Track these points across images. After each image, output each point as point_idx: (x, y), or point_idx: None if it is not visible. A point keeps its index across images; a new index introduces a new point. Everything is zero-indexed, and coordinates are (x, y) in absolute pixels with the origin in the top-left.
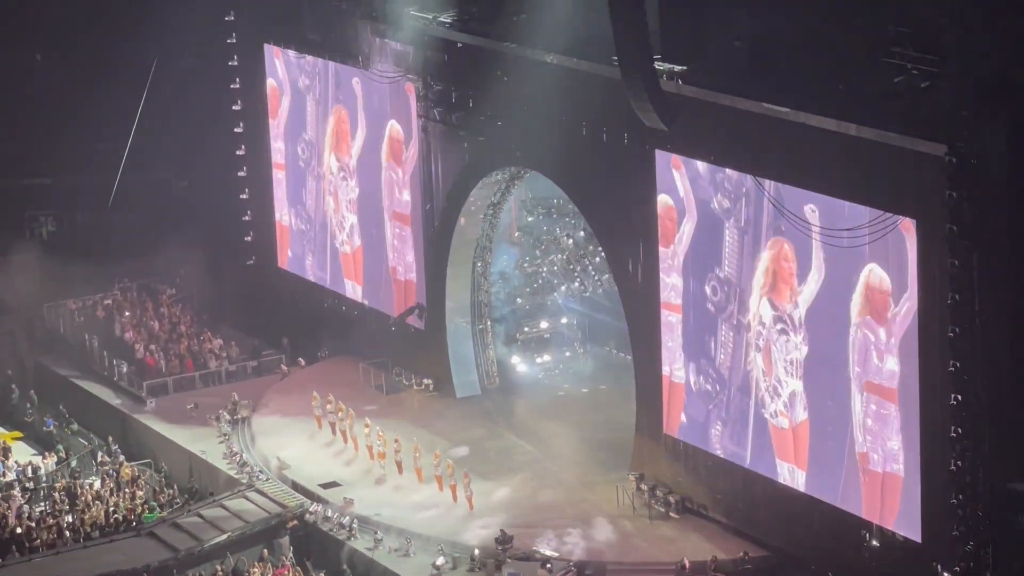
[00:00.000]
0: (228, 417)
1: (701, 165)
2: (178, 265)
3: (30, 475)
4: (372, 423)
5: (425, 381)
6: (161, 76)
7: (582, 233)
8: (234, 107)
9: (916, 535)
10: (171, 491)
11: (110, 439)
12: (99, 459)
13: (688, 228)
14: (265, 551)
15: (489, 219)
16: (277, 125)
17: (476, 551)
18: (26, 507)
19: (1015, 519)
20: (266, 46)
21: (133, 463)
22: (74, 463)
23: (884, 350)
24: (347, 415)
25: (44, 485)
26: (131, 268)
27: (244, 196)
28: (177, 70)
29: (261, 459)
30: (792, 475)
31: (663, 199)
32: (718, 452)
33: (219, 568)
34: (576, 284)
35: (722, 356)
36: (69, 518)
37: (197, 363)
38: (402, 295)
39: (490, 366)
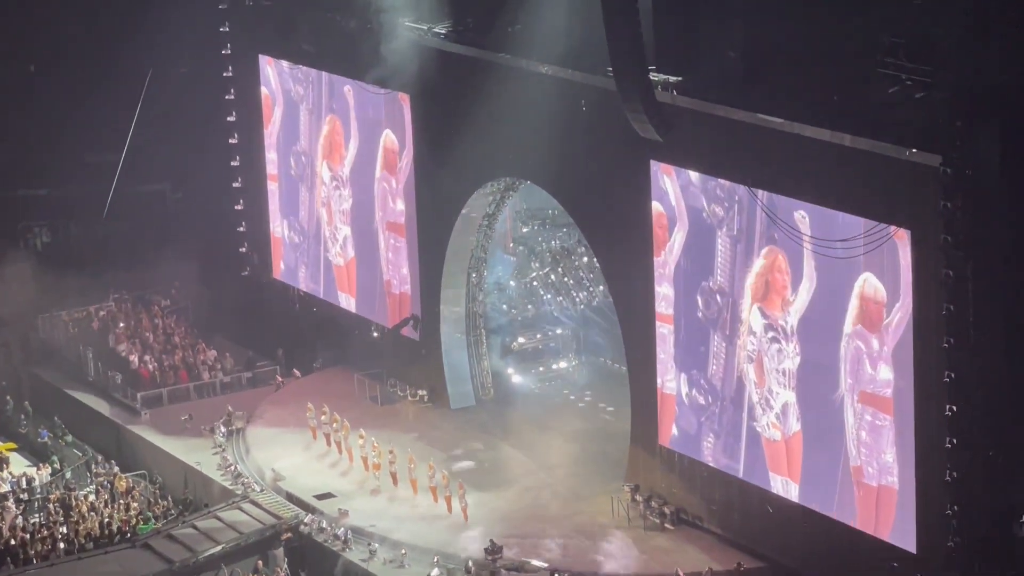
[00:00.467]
0: (223, 428)
1: (693, 172)
2: (173, 276)
3: (24, 486)
4: (367, 434)
5: (420, 392)
6: (156, 87)
7: (579, 246)
8: (229, 118)
9: (911, 546)
10: (166, 502)
11: (100, 458)
12: (94, 470)
13: (679, 237)
14: (260, 562)
15: (484, 230)
16: (270, 135)
17: (469, 562)
18: (20, 519)
19: (1011, 530)
20: (260, 57)
21: (128, 474)
22: (68, 474)
23: (877, 358)
24: (342, 426)
25: (39, 496)
26: (126, 279)
27: (239, 207)
28: (172, 81)
29: (256, 470)
30: (786, 488)
31: (653, 206)
32: (711, 465)
33: None
34: (571, 295)
35: (714, 367)
36: (64, 529)
37: (192, 374)
38: (396, 308)
39: (485, 377)
